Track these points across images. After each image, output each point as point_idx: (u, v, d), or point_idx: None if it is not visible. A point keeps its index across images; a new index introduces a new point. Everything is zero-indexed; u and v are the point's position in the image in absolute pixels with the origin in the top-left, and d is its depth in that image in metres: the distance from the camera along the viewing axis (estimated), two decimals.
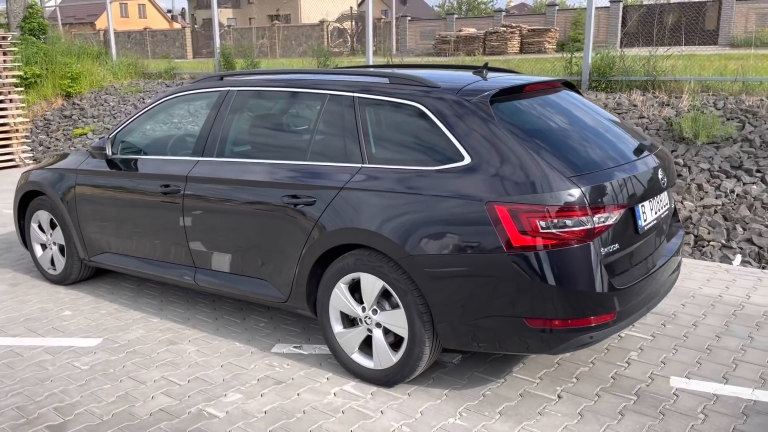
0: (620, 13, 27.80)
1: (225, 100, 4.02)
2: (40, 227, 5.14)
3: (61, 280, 5.07)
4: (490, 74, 3.71)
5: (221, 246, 3.93)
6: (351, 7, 34.88)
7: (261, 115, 4.04)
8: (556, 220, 2.86)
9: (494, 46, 25.86)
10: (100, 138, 4.63)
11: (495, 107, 3.19)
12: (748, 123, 7.22)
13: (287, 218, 3.57)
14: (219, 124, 4.00)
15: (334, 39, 32.85)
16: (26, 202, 5.20)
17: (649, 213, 3.31)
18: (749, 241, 5.57)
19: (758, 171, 6.42)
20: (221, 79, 4.21)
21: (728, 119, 7.38)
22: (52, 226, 5.02)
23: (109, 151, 4.45)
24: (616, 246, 3.04)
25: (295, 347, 3.93)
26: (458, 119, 3.17)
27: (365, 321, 3.41)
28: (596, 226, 2.91)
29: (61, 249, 5.01)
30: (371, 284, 3.32)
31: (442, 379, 3.48)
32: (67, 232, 4.85)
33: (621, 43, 30.16)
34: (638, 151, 3.39)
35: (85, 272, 5.03)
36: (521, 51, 26.54)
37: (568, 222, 2.87)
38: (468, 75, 3.68)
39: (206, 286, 4.10)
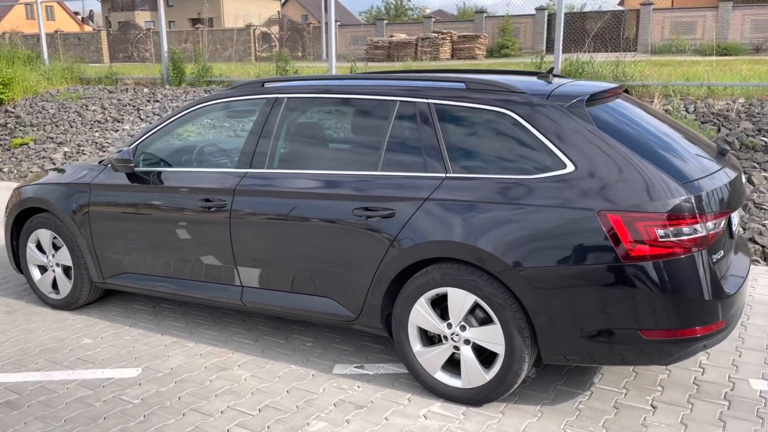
0: (545, 21, 28.65)
1: (274, 108, 3.77)
2: (39, 248, 4.70)
3: (66, 305, 4.64)
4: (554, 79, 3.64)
5: (276, 263, 3.69)
6: (278, 12, 34.42)
7: (319, 124, 3.81)
8: (672, 229, 2.81)
9: (427, 52, 26.13)
10: (118, 150, 4.26)
11: (589, 112, 3.12)
12: (723, 126, 7.50)
13: (359, 232, 3.38)
14: (268, 133, 3.75)
15: (260, 44, 32.29)
16: (20, 220, 4.75)
17: (736, 218, 3.33)
18: (752, 240, 5.75)
19: (744, 172, 6.66)
20: (263, 85, 3.95)
21: (703, 122, 7.65)
22: (54, 246, 4.60)
23: (134, 164, 4.09)
24: (721, 253, 3.03)
25: (356, 367, 3.73)
26: (555, 126, 3.07)
27: (452, 338, 3.25)
28: (709, 233, 2.88)
29: (65, 270, 4.60)
30: (461, 299, 3.17)
31: (528, 395, 3.37)
32: (75, 252, 4.45)
33: (546, 49, 31.13)
34: (719, 157, 3.39)
35: (93, 295, 4.63)
36: (453, 57, 26.93)
37: (685, 230, 2.82)
38: (535, 80, 3.60)
39: (254, 305, 3.84)
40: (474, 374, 3.22)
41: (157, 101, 11.75)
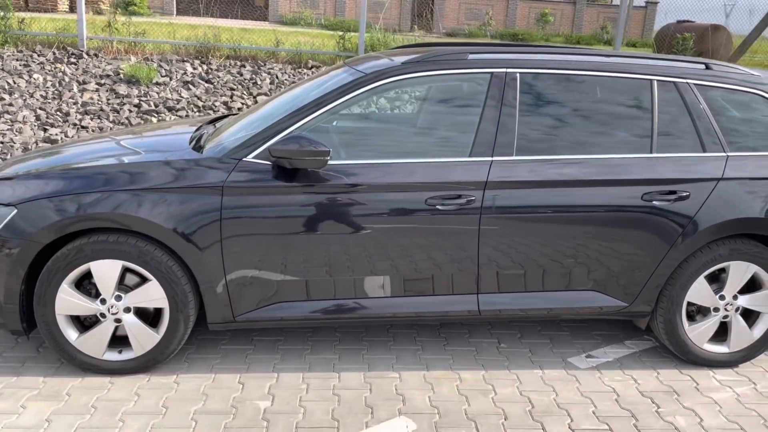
0: None
1: (507, 86, 3.25)
2: (83, 289, 3.10)
3: (143, 365, 3.19)
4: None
5: (537, 263, 3.27)
6: None
7: (564, 104, 3.35)
8: None
9: (39, 2, 22.37)
10: (282, 137, 3.00)
11: None
12: None
13: (647, 218, 3.27)
14: (510, 115, 3.23)
15: None
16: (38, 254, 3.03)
17: None
18: None
19: None
20: (466, 57, 3.32)
21: None
22: (118, 285, 3.10)
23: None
24: None
25: (587, 357, 3.60)
26: None
27: (725, 308, 3.45)
28: None
29: (141, 315, 3.16)
30: (742, 270, 3.40)
31: None
32: (177, 287, 3.07)
33: (177, 11, 29.17)
34: None
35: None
36: (72, 10, 23.59)
37: None
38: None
39: (498, 314, 3.34)
40: (744, 337, 3.49)
41: None
